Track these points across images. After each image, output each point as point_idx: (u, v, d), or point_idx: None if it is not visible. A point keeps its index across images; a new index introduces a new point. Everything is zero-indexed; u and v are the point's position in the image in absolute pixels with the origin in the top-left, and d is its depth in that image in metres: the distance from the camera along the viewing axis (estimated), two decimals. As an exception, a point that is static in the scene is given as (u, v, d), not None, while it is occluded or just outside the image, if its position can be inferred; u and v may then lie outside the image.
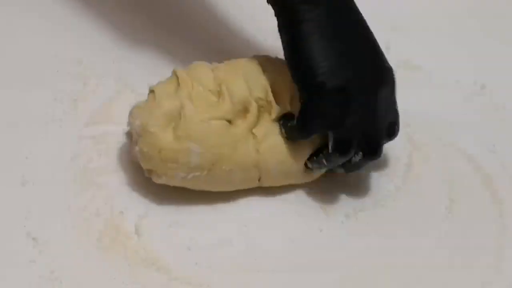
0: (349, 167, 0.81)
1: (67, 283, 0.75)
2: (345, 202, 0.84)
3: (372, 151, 0.79)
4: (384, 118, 0.79)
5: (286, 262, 0.79)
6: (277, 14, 0.78)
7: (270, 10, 0.79)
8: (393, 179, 0.86)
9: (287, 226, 0.82)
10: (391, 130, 0.81)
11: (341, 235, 0.81)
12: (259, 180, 0.82)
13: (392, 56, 0.96)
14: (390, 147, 0.88)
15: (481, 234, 0.82)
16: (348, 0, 0.79)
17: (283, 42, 0.78)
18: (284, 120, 0.81)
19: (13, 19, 0.97)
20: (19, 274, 0.76)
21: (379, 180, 0.86)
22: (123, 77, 0.91)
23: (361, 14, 0.80)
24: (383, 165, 0.87)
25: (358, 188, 0.85)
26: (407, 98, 0.92)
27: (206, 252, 0.79)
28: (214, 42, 0.95)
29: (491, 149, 0.89)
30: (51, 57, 0.93)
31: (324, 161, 0.80)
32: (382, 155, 0.80)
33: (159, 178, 0.80)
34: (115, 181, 0.83)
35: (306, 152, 0.81)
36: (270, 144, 0.80)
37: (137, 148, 0.79)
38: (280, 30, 0.78)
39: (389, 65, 0.80)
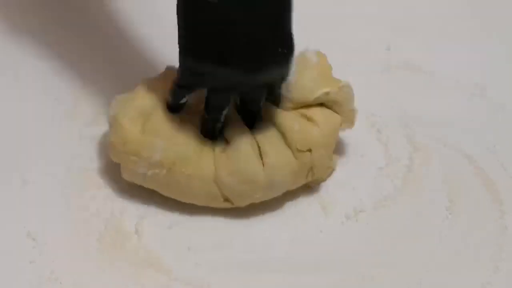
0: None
1: (67, 284, 0.75)
2: (345, 203, 0.84)
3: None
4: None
5: (286, 262, 0.79)
6: None
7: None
8: (393, 179, 0.86)
9: (287, 227, 0.82)
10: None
11: (341, 235, 0.81)
12: (225, 200, 0.80)
13: (392, 57, 0.97)
14: (390, 148, 0.88)
15: (481, 234, 0.82)
16: None
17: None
18: None
19: (14, 19, 0.97)
20: (19, 274, 0.76)
21: (379, 180, 0.86)
22: (123, 77, 0.91)
23: None
24: (383, 165, 0.87)
25: (358, 189, 0.85)
26: (408, 98, 0.93)
27: (206, 253, 0.79)
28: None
29: (491, 149, 0.89)
30: (51, 58, 0.93)
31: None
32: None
33: (124, 172, 0.80)
34: (115, 181, 0.83)
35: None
36: (228, 158, 0.79)
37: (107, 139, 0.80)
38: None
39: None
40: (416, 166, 0.87)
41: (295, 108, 0.81)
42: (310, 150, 0.79)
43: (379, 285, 0.78)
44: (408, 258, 0.80)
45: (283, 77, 0.77)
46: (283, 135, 0.80)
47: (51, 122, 0.87)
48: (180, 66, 0.76)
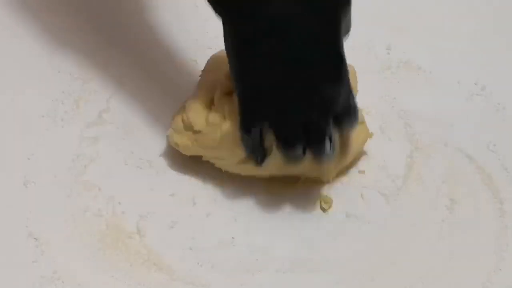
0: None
1: (69, 283, 0.76)
2: (346, 202, 0.84)
3: (316, 145, 0.77)
4: (326, 110, 0.76)
5: (287, 262, 0.79)
6: (223, 22, 0.76)
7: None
8: (394, 179, 0.86)
9: (288, 226, 0.82)
10: (342, 121, 0.78)
11: (341, 235, 0.82)
12: None
13: (393, 57, 0.97)
14: (390, 147, 0.88)
15: (482, 234, 0.82)
16: None
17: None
18: None
19: (14, 19, 0.97)
20: (21, 274, 0.76)
21: (379, 180, 0.86)
22: (123, 77, 0.92)
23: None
24: (383, 165, 0.87)
25: (359, 188, 0.85)
26: (408, 98, 0.93)
27: (208, 252, 0.79)
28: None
29: (491, 149, 0.89)
30: (52, 58, 0.93)
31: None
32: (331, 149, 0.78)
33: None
34: (117, 181, 0.83)
35: None
36: None
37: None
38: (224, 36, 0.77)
39: (339, 58, 0.76)
40: (417, 166, 0.87)
41: None
42: None
43: (379, 285, 0.78)
44: (408, 257, 0.80)
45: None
46: None
47: (53, 122, 0.87)
48: (240, 110, 0.78)
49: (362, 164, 0.87)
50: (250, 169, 0.82)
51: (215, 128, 0.81)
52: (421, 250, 0.80)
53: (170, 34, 0.97)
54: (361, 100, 0.83)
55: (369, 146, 0.87)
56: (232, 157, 0.82)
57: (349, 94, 0.77)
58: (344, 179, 0.85)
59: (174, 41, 0.95)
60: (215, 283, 0.77)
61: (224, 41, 0.77)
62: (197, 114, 0.82)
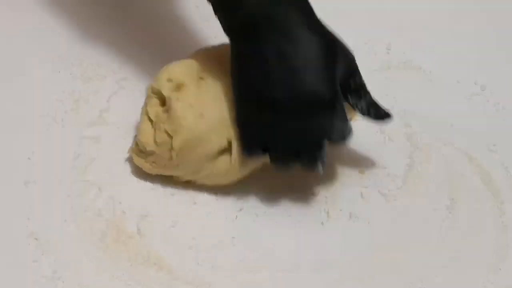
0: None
1: (69, 283, 0.76)
2: (346, 202, 0.84)
3: (308, 166, 0.79)
4: (320, 138, 0.78)
5: (288, 262, 0.79)
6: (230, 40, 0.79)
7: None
8: (394, 179, 0.86)
9: (288, 226, 0.82)
10: (335, 142, 0.80)
11: (342, 235, 0.82)
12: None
13: (393, 57, 0.97)
14: (390, 147, 0.88)
15: (482, 234, 0.82)
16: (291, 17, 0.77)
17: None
18: None
19: (15, 20, 0.97)
20: (21, 274, 0.76)
21: (379, 180, 0.86)
22: (124, 77, 0.92)
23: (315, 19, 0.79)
24: (383, 165, 0.87)
25: (359, 188, 0.85)
26: (408, 98, 0.93)
27: (208, 252, 0.79)
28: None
29: (491, 149, 0.89)
30: (53, 58, 0.93)
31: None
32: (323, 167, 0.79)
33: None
34: (117, 181, 0.83)
35: None
36: None
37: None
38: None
39: (330, 88, 0.77)
40: (417, 166, 0.87)
41: None
42: None
43: (379, 285, 0.78)
44: (408, 257, 0.80)
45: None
46: None
47: (53, 122, 0.87)
48: (240, 136, 0.79)
49: (362, 164, 0.87)
50: (220, 178, 0.82)
51: (165, 147, 0.80)
52: (421, 250, 0.80)
53: (170, 34, 0.97)
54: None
55: (369, 146, 0.87)
56: (191, 170, 0.81)
57: (344, 121, 0.78)
58: (344, 179, 0.85)
59: (174, 41, 0.95)
60: (215, 282, 0.77)
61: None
62: (146, 135, 0.81)
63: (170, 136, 0.80)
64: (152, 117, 0.81)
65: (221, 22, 0.79)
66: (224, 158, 0.81)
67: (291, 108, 0.76)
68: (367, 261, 0.80)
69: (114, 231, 0.80)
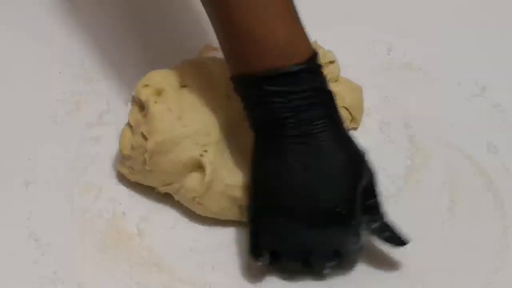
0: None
1: (69, 284, 0.76)
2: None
3: (316, 272, 0.78)
4: (329, 250, 0.77)
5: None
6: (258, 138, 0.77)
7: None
8: (395, 180, 0.86)
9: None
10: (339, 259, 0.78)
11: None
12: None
13: (393, 58, 0.97)
14: (391, 148, 0.88)
15: (483, 234, 0.82)
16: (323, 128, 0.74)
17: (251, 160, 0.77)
18: None
19: (15, 20, 0.97)
20: (21, 275, 0.76)
21: (380, 181, 0.86)
22: (124, 78, 0.92)
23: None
24: (384, 166, 0.87)
25: (359, 189, 0.85)
26: (409, 99, 0.93)
27: (208, 253, 0.79)
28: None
29: (492, 150, 0.89)
30: (53, 59, 0.93)
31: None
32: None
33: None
34: (117, 182, 0.83)
35: None
36: None
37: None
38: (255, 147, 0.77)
39: (349, 205, 0.75)
40: (417, 166, 0.87)
41: None
42: None
43: (379, 285, 0.78)
44: (408, 258, 0.80)
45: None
46: None
47: (54, 123, 0.88)
48: (250, 238, 0.77)
49: (362, 165, 0.87)
50: (193, 202, 0.81)
51: (140, 150, 0.80)
52: (422, 251, 0.80)
53: (171, 36, 0.97)
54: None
55: (369, 147, 0.87)
56: (163, 179, 0.81)
57: (357, 238, 0.77)
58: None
59: (174, 42, 0.95)
60: (216, 284, 0.77)
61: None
62: (125, 139, 0.81)
63: (146, 138, 0.79)
64: (132, 123, 0.81)
65: (248, 115, 0.76)
66: (197, 175, 0.79)
67: (307, 220, 0.74)
68: (366, 262, 0.79)
69: (114, 232, 0.80)
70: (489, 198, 0.85)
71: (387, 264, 0.79)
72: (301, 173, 0.74)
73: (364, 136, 0.87)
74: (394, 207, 0.83)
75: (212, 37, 0.90)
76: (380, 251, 0.80)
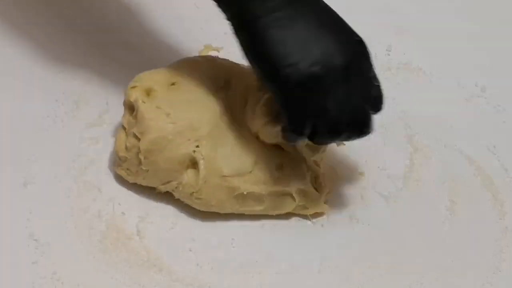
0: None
1: (69, 284, 0.76)
2: (346, 204, 0.84)
3: (359, 130, 0.77)
4: (365, 93, 0.76)
5: (287, 263, 0.79)
6: (229, 18, 0.76)
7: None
8: (394, 180, 0.86)
9: (288, 227, 0.82)
10: (376, 104, 0.77)
11: (342, 236, 0.82)
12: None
13: (393, 58, 0.97)
14: (390, 149, 0.88)
15: (482, 235, 0.82)
16: None
17: (241, 45, 0.76)
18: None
19: (15, 20, 0.97)
20: (21, 275, 0.76)
21: (379, 181, 0.86)
22: (124, 78, 0.91)
23: None
24: (383, 166, 0.87)
25: (359, 189, 0.85)
26: (408, 99, 0.93)
27: (208, 253, 0.79)
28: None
29: (491, 150, 0.89)
30: (53, 59, 0.93)
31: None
32: (373, 130, 0.77)
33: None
34: (117, 182, 0.83)
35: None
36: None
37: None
38: (236, 33, 0.76)
39: (359, 38, 0.78)
40: (417, 167, 0.87)
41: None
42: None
43: (379, 285, 0.78)
44: (408, 258, 0.80)
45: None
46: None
47: (52, 123, 0.87)
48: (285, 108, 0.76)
49: (362, 166, 0.87)
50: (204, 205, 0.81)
51: (134, 150, 0.80)
52: (421, 251, 0.80)
53: (171, 35, 0.97)
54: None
55: (369, 147, 0.87)
56: (161, 178, 0.81)
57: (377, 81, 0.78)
58: (344, 181, 0.85)
59: (174, 42, 0.95)
60: (215, 284, 0.77)
61: (238, 39, 0.76)
62: (120, 142, 0.82)
63: (138, 139, 0.80)
64: (125, 125, 0.82)
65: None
66: (192, 171, 0.80)
67: (329, 70, 0.74)
68: (367, 262, 0.79)
69: (113, 232, 0.79)
70: (488, 199, 0.85)
71: (387, 264, 0.79)
72: (314, 30, 0.75)
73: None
74: (394, 207, 0.84)
75: (212, 37, 0.91)
76: (380, 251, 0.80)
